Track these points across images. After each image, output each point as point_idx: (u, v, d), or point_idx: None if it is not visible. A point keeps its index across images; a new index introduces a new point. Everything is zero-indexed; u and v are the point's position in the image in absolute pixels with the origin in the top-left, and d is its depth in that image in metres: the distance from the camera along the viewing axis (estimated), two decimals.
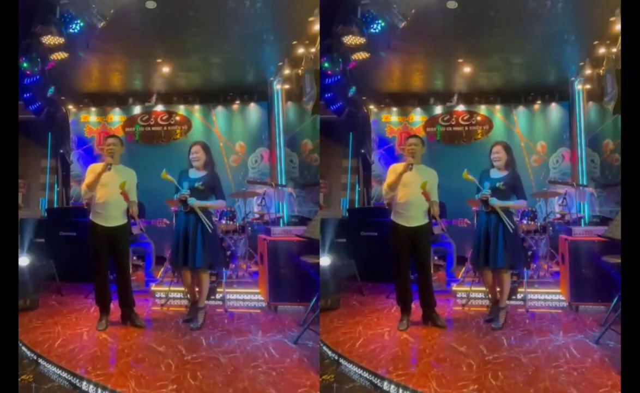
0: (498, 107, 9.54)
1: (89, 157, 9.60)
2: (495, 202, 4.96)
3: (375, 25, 6.46)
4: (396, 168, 5.07)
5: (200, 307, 5.20)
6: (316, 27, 6.63)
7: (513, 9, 6.30)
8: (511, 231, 4.98)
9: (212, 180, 5.16)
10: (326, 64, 7.16)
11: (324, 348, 4.55)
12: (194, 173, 5.15)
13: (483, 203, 5.04)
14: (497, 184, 5.03)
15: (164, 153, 9.10)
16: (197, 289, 5.25)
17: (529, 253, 7.22)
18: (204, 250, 5.02)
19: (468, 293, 6.05)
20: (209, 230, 5.02)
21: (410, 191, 4.97)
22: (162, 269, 7.19)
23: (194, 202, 4.98)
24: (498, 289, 5.24)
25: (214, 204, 5.22)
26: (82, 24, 6.34)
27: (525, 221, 6.88)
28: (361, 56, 6.99)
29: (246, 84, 9.14)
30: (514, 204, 5.12)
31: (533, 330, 5.03)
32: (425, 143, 5.35)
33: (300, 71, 7.98)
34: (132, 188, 5.07)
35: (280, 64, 8.23)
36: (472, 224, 6.88)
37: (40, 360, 4.30)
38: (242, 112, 9.54)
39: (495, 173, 5.13)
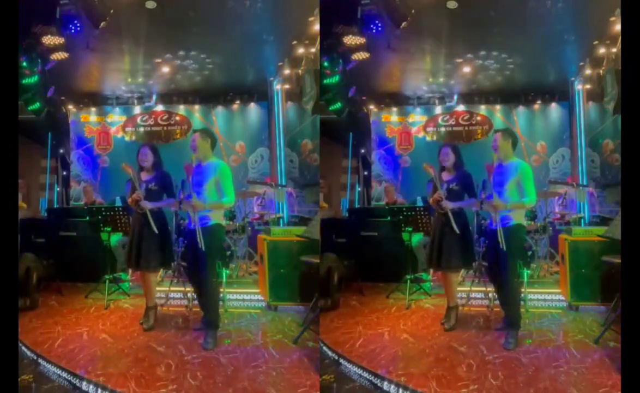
0: (498, 107, 9.55)
1: (89, 157, 9.61)
2: (446, 204, 4.94)
3: (375, 26, 6.46)
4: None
5: (149, 306, 5.17)
6: (316, 27, 6.63)
7: (513, 9, 6.30)
8: (457, 232, 4.94)
9: (162, 180, 5.07)
10: (326, 64, 7.16)
11: (324, 348, 4.55)
12: (144, 175, 5.07)
13: (437, 205, 5.02)
14: (450, 186, 5.01)
15: (164, 152, 9.11)
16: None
17: (529, 253, 7.22)
18: (149, 252, 4.95)
19: (468, 293, 6.04)
20: (155, 232, 4.91)
21: None
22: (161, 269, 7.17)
23: (146, 204, 4.88)
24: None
25: (164, 204, 5.07)
26: (82, 24, 6.33)
27: (525, 221, 6.87)
28: (361, 55, 6.99)
29: (246, 84, 9.14)
30: (465, 204, 5.03)
31: (533, 330, 5.03)
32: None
33: (300, 71, 7.98)
34: None
35: (280, 64, 8.23)
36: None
37: (40, 360, 4.30)
38: (242, 112, 9.55)
39: (445, 175, 5.10)
